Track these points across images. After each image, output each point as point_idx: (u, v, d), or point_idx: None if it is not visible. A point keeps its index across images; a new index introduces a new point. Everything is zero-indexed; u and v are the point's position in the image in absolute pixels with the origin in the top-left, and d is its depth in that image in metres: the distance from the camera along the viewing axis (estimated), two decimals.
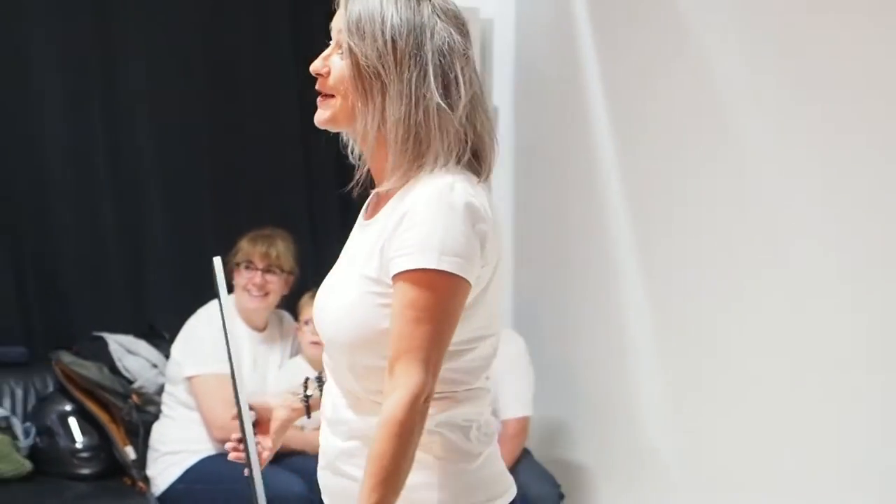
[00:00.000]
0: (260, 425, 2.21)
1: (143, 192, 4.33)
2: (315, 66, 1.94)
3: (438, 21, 1.88)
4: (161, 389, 3.86)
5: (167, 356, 3.90)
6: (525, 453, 4.11)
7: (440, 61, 1.87)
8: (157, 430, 3.74)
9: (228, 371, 2.16)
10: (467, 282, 1.80)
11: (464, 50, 1.91)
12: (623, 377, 4.10)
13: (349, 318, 1.89)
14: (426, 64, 1.86)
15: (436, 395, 1.87)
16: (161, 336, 4.05)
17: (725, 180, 3.53)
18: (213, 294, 2.16)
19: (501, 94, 4.88)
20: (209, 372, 3.59)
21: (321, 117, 1.93)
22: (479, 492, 1.97)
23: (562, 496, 4.10)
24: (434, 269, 1.77)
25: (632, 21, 3.97)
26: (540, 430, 4.33)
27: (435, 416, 1.89)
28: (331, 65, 1.91)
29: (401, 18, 1.86)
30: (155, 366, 3.97)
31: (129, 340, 4.00)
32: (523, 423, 4.06)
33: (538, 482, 4.01)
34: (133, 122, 4.36)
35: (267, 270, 3.69)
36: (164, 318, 4.09)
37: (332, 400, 1.99)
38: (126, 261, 4.17)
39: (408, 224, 1.81)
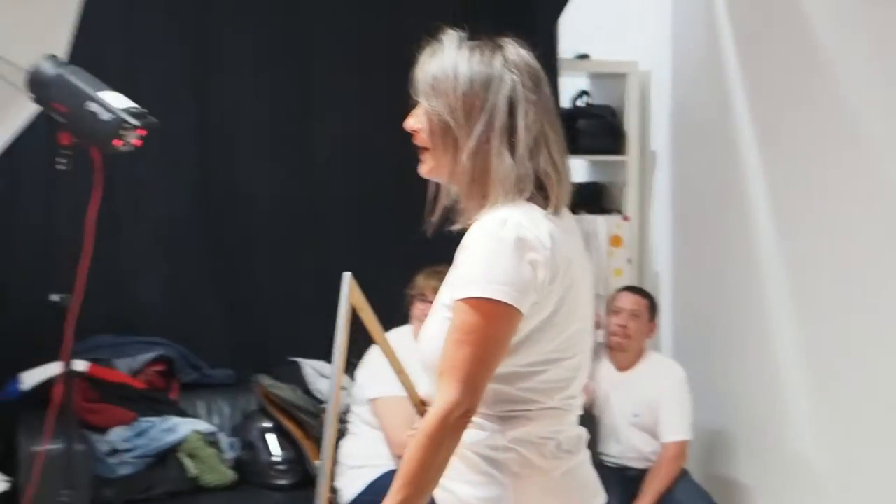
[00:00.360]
0: None
1: (335, 236, 4.61)
2: (408, 124, 2.06)
3: (507, 73, 1.97)
4: (348, 410, 4.04)
5: (353, 378, 4.08)
6: (682, 472, 4.16)
7: (506, 110, 1.95)
8: (344, 447, 3.92)
9: (406, 394, 2.43)
10: (515, 308, 1.86)
11: (533, 97, 1.98)
12: (775, 395, 4.16)
13: (434, 341, 1.98)
14: (493, 115, 1.95)
15: (510, 414, 1.97)
16: (349, 362, 4.28)
17: (875, 204, 3.59)
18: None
19: (658, 139, 5.03)
20: (389, 394, 3.69)
21: (422, 170, 2.06)
22: None
23: None
24: (479, 297, 1.86)
25: (779, 68, 4.05)
26: (696, 449, 4.39)
27: (508, 433, 1.97)
28: (421, 122, 2.03)
29: (472, 74, 1.97)
30: (343, 388, 4.15)
31: (320, 365, 4.29)
32: (682, 446, 4.15)
33: (695, 499, 4.09)
34: (329, 171, 4.67)
35: None
36: (354, 343, 4.31)
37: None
38: (318, 296, 4.35)
39: (463, 257, 1.93)
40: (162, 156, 4.40)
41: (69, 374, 3.16)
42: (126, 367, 4.24)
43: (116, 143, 2.91)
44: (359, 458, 3.88)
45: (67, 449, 3.24)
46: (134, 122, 2.89)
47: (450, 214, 2.07)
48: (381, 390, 3.78)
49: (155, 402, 4.23)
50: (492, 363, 1.89)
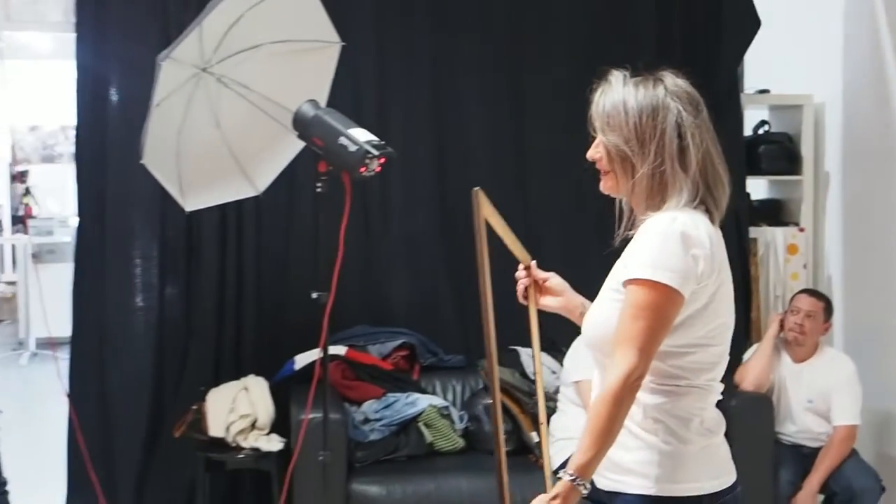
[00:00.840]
0: None
1: (548, 242, 4.77)
2: (590, 155, 2.17)
3: (671, 101, 2.05)
4: (557, 390, 4.24)
5: (561, 364, 4.28)
6: (852, 452, 4.24)
7: (676, 134, 2.03)
8: (554, 421, 4.11)
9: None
10: (679, 292, 1.95)
11: (694, 121, 2.05)
12: None
13: (601, 320, 2.11)
14: (664, 139, 2.03)
15: (661, 387, 2.05)
16: (559, 349, 4.39)
17: None
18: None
19: (831, 160, 5.16)
20: (590, 378, 3.99)
21: (603, 188, 2.17)
22: (690, 474, 2.05)
23: (883, 489, 4.21)
24: (650, 280, 1.96)
25: None
26: (866, 431, 4.48)
27: (660, 406, 2.05)
28: (600, 152, 2.14)
29: (640, 106, 2.05)
30: (553, 372, 4.38)
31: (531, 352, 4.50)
32: (852, 430, 4.24)
33: (862, 477, 4.18)
34: (542, 185, 4.91)
35: None
36: (562, 335, 4.28)
37: (596, 391, 2.16)
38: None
39: (638, 246, 2.04)
40: (408, 179, 4.75)
41: (326, 358, 3.48)
42: (377, 351, 4.56)
43: (362, 170, 3.22)
44: (566, 430, 4.01)
45: (326, 417, 3.56)
46: (375, 152, 3.21)
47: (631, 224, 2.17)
48: (582, 374, 3.93)
49: (400, 381, 4.52)
50: (660, 336, 1.97)
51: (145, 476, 4.64)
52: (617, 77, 2.14)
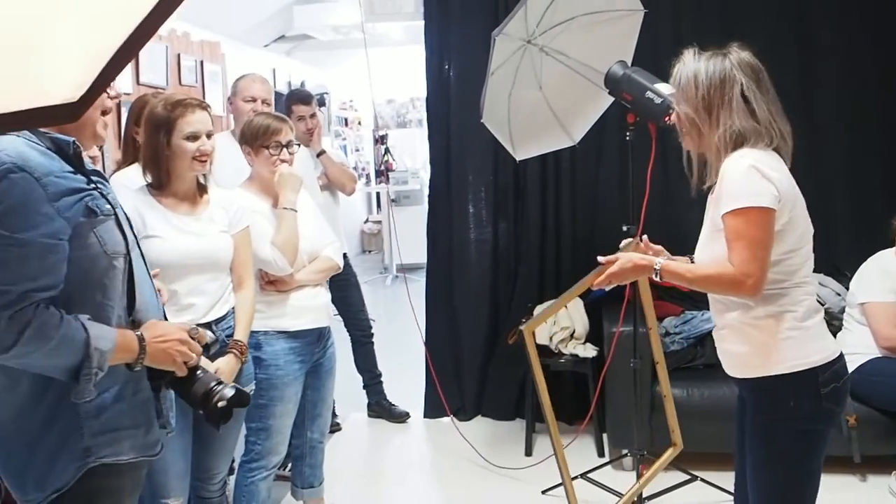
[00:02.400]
0: None
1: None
2: (672, 120, 2.24)
3: (737, 72, 2.06)
4: (842, 310, 3.89)
5: (846, 287, 3.91)
6: None
7: (741, 100, 2.05)
8: (839, 338, 3.70)
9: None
10: (766, 208, 1.98)
11: (757, 87, 2.06)
12: None
13: (707, 249, 2.14)
14: (730, 106, 2.05)
15: (769, 291, 2.05)
16: (843, 274, 4.09)
17: None
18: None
19: None
20: (876, 300, 3.60)
21: (685, 145, 2.22)
22: (802, 352, 2.06)
23: None
24: (739, 208, 1.99)
25: None
26: None
27: (771, 305, 2.06)
28: (676, 120, 2.21)
29: (710, 78, 2.07)
30: (838, 294, 4.04)
31: (820, 277, 4.09)
32: None
33: None
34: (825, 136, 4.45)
35: None
36: (845, 262, 4.13)
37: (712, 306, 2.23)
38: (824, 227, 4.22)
39: (724, 187, 2.04)
40: None
41: (636, 281, 3.33)
42: None
43: (666, 119, 3.04)
44: (852, 347, 3.66)
45: (636, 330, 3.49)
46: None
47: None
48: (868, 296, 3.64)
49: (696, 301, 4.24)
50: (764, 249, 1.99)
51: (485, 373, 4.73)
52: (689, 53, 2.15)
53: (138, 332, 1.77)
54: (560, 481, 3.03)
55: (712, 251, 2.10)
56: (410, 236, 6.34)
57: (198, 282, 2.52)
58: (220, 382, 1.88)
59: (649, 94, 3.10)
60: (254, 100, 3.81)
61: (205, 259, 2.52)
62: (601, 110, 3.79)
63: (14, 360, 1.59)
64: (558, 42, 3.54)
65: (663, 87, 3.08)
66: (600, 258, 2.32)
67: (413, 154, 10.32)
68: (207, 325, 2.47)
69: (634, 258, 2.22)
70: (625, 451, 3.92)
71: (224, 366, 2.52)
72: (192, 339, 1.85)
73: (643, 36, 3.66)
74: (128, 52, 1.28)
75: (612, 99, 3.37)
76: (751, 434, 2.16)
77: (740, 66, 2.08)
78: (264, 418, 2.92)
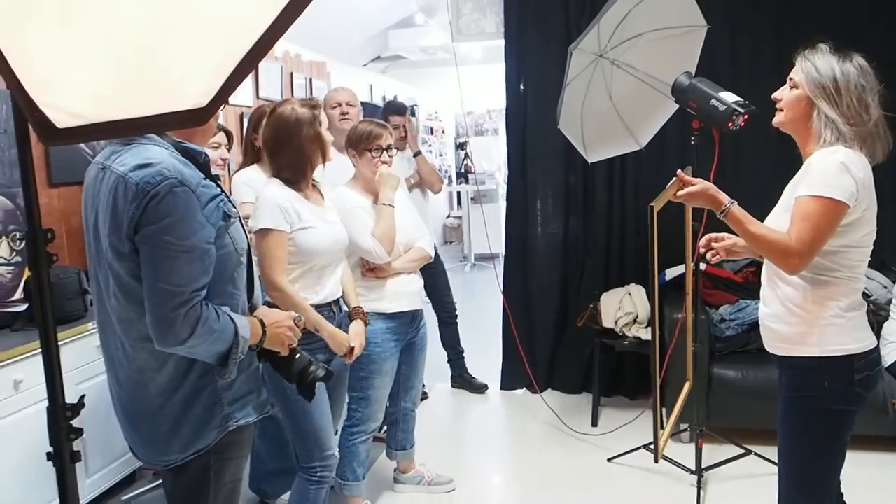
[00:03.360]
0: None
1: None
2: (776, 95, 2.11)
3: (854, 73, 1.97)
4: (889, 301, 3.69)
5: (892, 281, 3.73)
6: None
7: (853, 98, 1.95)
8: (886, 327, 3.55)
9: None
10: (841, 202, 1.89)
11: (872, 91, 1.97)
12: None
13: (777, 226, 2.02)
14: (842, 101, 1.95)
15: (820, 276, 1.97)
16: (889, 268, 3.90)
17: None
18: None
19: None
20: None
21: (775, 121, 2.11)
22: (841, 339, 1.97)
23: None
24: (818, 195, 1.90)
25: None
26: None
27: (819, 290, 1.97)
28: (784, 95, 2.08)
29: (834, 73, 1.97)
30: (885, 287, 3.81)
31: (868, 271, 3.82)
32: None
33: None
34: None
35: None
36: (892, 255, 3.90)
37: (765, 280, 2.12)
38: None
39: (809, 171, 1.97)
40: (755, 133, 4.23)
41: (698, 272, 3.29)
42: (730, 268, 4.17)
43: (730, 125, 2.92)
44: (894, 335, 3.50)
45: (696, 317, 3.36)
46: (741, 110, 2.85)
47: None
48: None
49: (749, 291, 4.07)
50: (823, 236, 1.90)
51: (556, 353, 4.64)
52: (824, 47, 2.05)
53: (260, 319, 1.78)
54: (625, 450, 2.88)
55: (778, 226, 2.03)
56: (489, 228, 6.26)
57: (335, 265, 2.54)
58: (311, 363, 1.89)
59: (714, 101, 2.95)
60: (339, 105, 3.77)
61: (342, 245, 2.55)
62: (666, 117, 3.65)
63: (185, 349, 1.60)
64: (628, 56, 3.42)
65: (726, 96, 2.95)
66: (679, 171, 2.26)
67: (489, 158, 10.22)
68: (335, 302, 2.54)
69: (711, 188, 2.13)
70: (684, 426, 3.78)
71: (356, 328, 2.57)
72: (297, 325, 1.86)
73: (704, 49, 3.49)
74: (249, 63, 1.26)
75: (675, 107, 3.25)
76: (782, 409, 2.07)
77: (863, 71, 2.00)
78: (364, 389, 2.90)
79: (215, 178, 1.75)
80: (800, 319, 2.00)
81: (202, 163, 1.70)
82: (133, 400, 1.71)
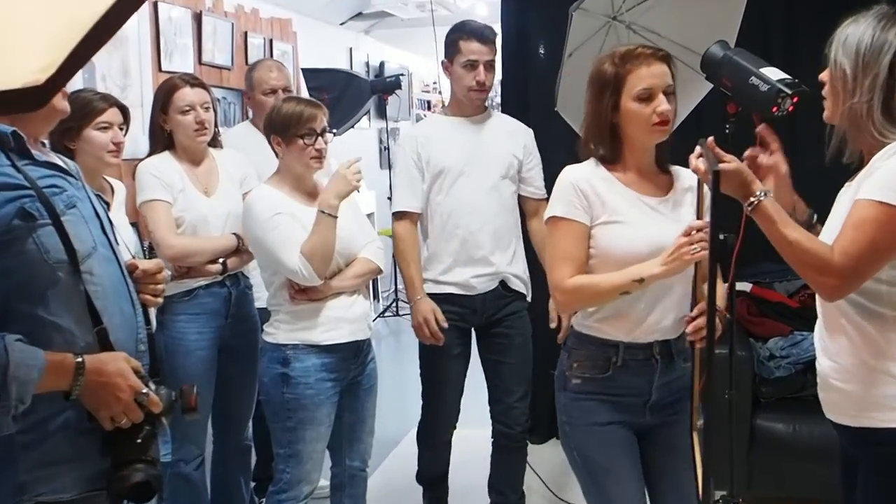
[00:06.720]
0: None
1: None
2: (822, 77, 2.05)
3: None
4: None
5: None
6: None
7: (887, 72, 1.87)
8: None
9: None
10: None
11: None
12: None
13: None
14: (879, 74, 1.87)
15: (874, 308, 1.87)
16: None
17: None
18: None
19: None
20: None
21: (825, 115, 2.06)
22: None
23: None
24: (884, 202, 1.80)
25: None
26: None
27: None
28: (827, 78, 2.00)
29: (871, 43, 1.89)
30: None
31: None
32: None
33: None
34: None
35: None
36: None
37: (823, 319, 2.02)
38: None
39: (875, 169, 1.87)
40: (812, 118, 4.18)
41: (734, 295, 3.03)
42: (783, 289, 4.08)
43: (774, 109, 2.80)
44: None
45: (732, 354, 3.18)
46: (788, 91, 2.72)
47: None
48: None
49: (807, 320, 3.99)
50: (881, 250, 1.81)
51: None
52: (875, 10, 1.96)
53: (81, 360, 1.59)
54: None
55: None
56: None
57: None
58: (140, 461, 1.65)
59: (754, 79, 2.80)
60: (273, 92, 3.70)
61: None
62: (698, 98, 3.52)
63: None
64: (648, 19, 3.36)
65: (771, 72, 2.80)
66: (709, 139, 2.20)
67: None
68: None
69: (748, 174, 2.05)
70: (718, 497, 3.62)
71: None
72: (139, 401, 1.64)
73: (749, 13, 3.42)
74: (110, 24, 1.07)
75: (709, 86, 3.11)
76: (865, 498, 1.93)
77: None
78: (293, 443, 2.83)
79: (53, 166, 1.65)
80: (871, 376, 1.89)
81: (13, 147, 1.59)
82: None
